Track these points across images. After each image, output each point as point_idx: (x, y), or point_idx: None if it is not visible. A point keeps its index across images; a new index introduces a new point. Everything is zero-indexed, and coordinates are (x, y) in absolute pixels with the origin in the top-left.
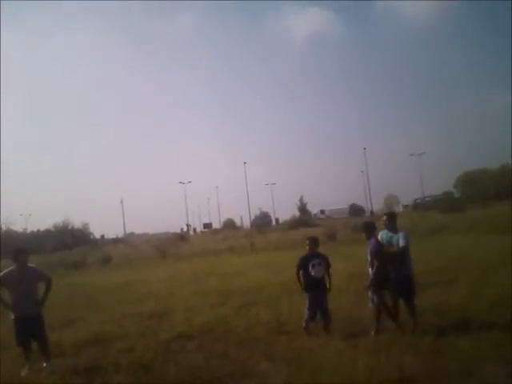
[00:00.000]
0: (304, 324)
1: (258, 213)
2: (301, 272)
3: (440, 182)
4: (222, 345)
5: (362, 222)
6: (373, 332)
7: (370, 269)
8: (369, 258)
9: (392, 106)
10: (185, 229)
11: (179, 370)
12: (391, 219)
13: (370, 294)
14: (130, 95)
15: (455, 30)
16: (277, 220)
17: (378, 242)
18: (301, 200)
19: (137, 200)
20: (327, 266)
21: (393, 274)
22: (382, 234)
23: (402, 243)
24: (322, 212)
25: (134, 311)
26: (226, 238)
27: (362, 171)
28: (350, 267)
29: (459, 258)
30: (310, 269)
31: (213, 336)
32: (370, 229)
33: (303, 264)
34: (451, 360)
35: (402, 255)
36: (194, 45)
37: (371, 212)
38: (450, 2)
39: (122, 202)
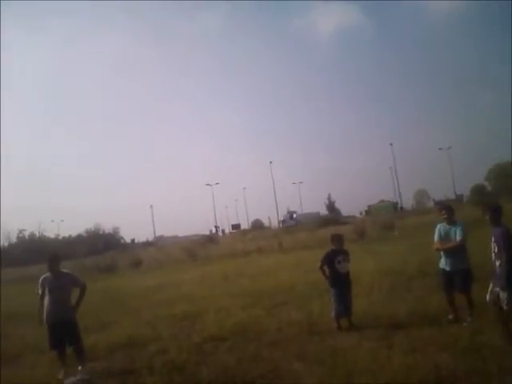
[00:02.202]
0: (335, 321)
1: (285, 212)
2: (325, 267)
3: (471, 175)
4: (254, 346)
5: (489, 205)
6: None
7: (496, 262)
8: (495, 250)
9: (418, 99)
10: (213, 230)
11: (212, 372)
12: (449, 212)
13: (500, 293)
14: (155, 98)
15: (481, 24)
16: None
17: (508, 231)
18: (329, 198)
19: (166, 203)
20: (349, 261)
21: (449, 267)
22: (440, 227)
23: (459, 236)
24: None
25: (166, 314)
26: (254, 238)
27: (390, 167)
28: (381, 265)
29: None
30: (336, 264)
31: (245, 337)
32: (498, 213)
33: (329, 259)
34: (489, 358)
35: (460, 247)
36: (218, 44)
37: (401, 208)
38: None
39: (151, 206)
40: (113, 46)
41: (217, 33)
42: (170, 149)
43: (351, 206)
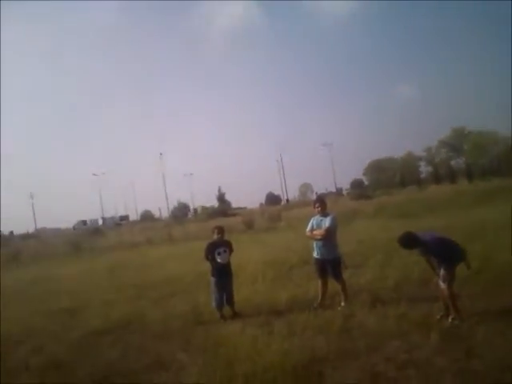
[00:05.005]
0: (217, 311)
1: (176, 204)
2: (209, 257)
3: (350, 170)
4: (139, 338)
5: (400, 238)
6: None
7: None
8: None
9: (303, 97)
10: (100, 222)
11: (94, 366)
12: (322, 205)
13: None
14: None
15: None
16: (195, 210)
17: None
18: (219, 190)
19: (48, 193)
20: (231, 251)
21: (319, 256)
22: (313, 219)
23: (327, 224)
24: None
25: (45, 309)
26: (143, 229)
27: (277, 161)
28: (266, 254)
29: (368, 242)
30: (217, 256)
31: (129, 330)
32: (412, 242)
33: (210, 251)
34: (359, 338)
35: (329, 236)
36: (117, 42)
37: (287, 200)
38: None
39: (31, 196)
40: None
41: (117, 32)
42: (54, 138)
43: (241, 198)
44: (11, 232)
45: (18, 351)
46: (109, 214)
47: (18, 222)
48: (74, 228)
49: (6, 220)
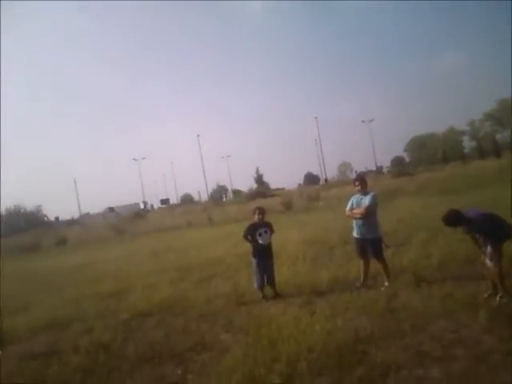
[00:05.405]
0: (259, 292)
1: (214, 186)
2: (249, 237)
3: (391, 147)
4: (182, 319)
5: (444, 217)
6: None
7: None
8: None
9: (343, 73)
10: (141, 206)
11: (139, 348)
12: (362, 183)
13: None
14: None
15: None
16: (233, 192)
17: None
18: (257, 171)
19: (91, 180)
20: (272, 232)
21: (359, 235)
22: (353, 197)
23: (367, 203)
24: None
25: (91, 292)
26: (184, 213)
27: (315, 140)
28: (306, 234)
29: (410, 220)
30: (258, 237)
31: (172, 312)
32: (457, 220)
33: (251, 232)
34: (404, 319)
35: (370, 215)
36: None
37: (326, 180)
38: None
39: (75, 182)
40: None
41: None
42: (94, 123)
43: (279, 178)
44: (57, 218)
45: (69, 332)
46: (149, 198)
47: (63, 209)
48: (103, 216)
49: (51, 206)
